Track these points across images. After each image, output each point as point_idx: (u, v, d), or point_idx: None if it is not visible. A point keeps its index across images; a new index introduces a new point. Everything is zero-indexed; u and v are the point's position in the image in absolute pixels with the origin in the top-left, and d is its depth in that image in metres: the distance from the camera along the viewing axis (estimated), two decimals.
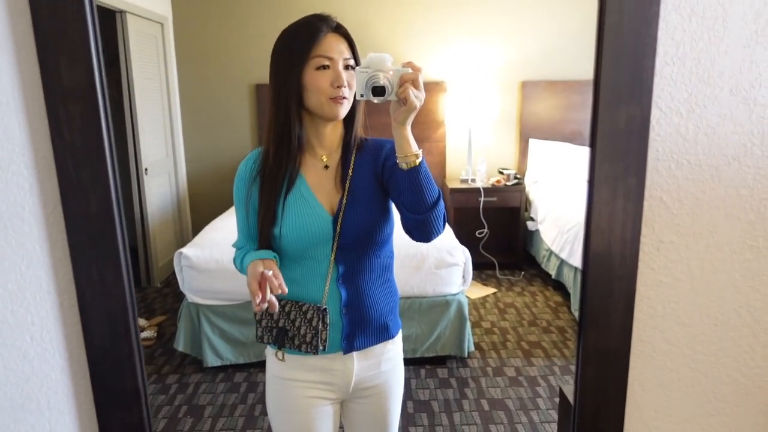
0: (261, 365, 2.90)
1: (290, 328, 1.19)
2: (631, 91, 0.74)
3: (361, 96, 1.03)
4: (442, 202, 1.13)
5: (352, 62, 1.15)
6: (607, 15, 0.71)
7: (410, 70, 1.02)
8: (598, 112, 0.75)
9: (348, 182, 1.20)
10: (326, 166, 1.23)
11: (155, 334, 3.23)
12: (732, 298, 0.82)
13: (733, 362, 0.85)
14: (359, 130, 1.25)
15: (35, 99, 0.70)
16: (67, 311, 0.77)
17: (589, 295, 0.80)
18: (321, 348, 1.18)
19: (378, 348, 1.27)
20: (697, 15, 0.74)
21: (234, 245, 1.30)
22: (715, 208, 0.80)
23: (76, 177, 0.69)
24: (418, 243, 1.18)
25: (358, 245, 1.20)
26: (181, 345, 2.85)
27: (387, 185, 1.20)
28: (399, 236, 1.27)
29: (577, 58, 4.28)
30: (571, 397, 1.63)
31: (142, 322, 3.42)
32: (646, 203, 0.79)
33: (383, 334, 1.27)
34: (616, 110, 0.75)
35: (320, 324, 1.17)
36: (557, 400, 2.73)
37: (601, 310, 0.80)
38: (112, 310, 0.73)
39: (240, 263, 1.25)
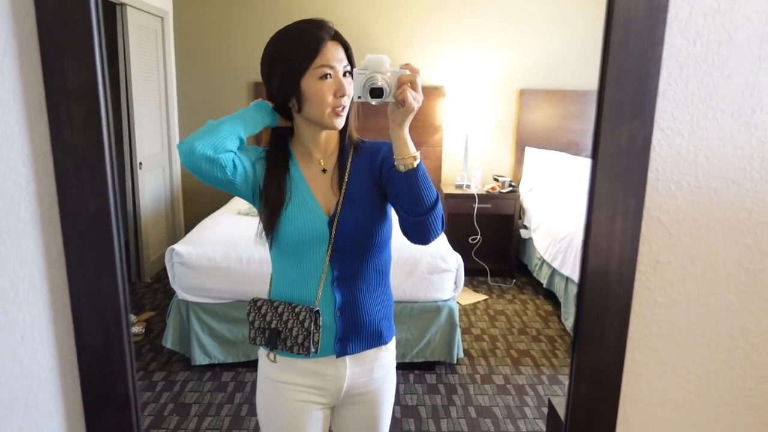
0: (249, 365, 2.89)
1: (282, 330, 1.19)
2: (634, 111, 0.75)
3: (359, 98, 1.02)
4: (440, 204, 1.13)
5: (349, 68, 1.15)
6: (612, 35, 0.72)
7: (408, 72, 1.01)
8: (600, 130, 0.75)
9: (345, 185, 1.20)
10: (324, 170, 1.23)
11: (143, 330, 3.21)
12: (726, 320, 0.83)
13: (726, 384, 0.85)
14: (352, 131, 1.24)
15: (36, 97, 0.70)
16: (59, 311, 0.76)
17: (585, 312, 0.80)
18: (313, 350, 1.18)
19: (371, 354, 1.27)
20: (702, 39, 0.75)
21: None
22: (712, 231, 0.80)
23: (75, 177, 0.69)
24: (412, 247, 1.18)
25: (354, 248, 1.20)
26: (169, 342, 2.83)
27: (385, 188, 1.19)
28: (393, 240, 1.27)
29: (575, 69, 4.30)
30: (560, 410, 1.63)
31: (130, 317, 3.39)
32: (644, 223, 0.79)
33: (377, 339, 1.27)
34: (618, 129, 0.75)
35: (312, 326, 1.17)
36: (545, 409, 2.74)
37: (596, 327, 0.80)
38: (105, 313, 0.72)
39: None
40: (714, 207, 0.80)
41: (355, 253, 1.20)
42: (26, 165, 0.71)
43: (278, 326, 1.19)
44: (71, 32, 0.65)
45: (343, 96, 1.12)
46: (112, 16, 3.62)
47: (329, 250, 1.18)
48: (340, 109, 1.13)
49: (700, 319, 0.83)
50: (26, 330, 0.76)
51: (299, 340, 1.17)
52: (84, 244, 0.70)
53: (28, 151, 0.71)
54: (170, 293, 3.36)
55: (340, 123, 1.16)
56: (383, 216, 1.22)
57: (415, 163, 1.07)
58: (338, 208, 1.18)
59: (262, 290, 1.32)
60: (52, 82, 0.66)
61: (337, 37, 1.15)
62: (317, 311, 1.18)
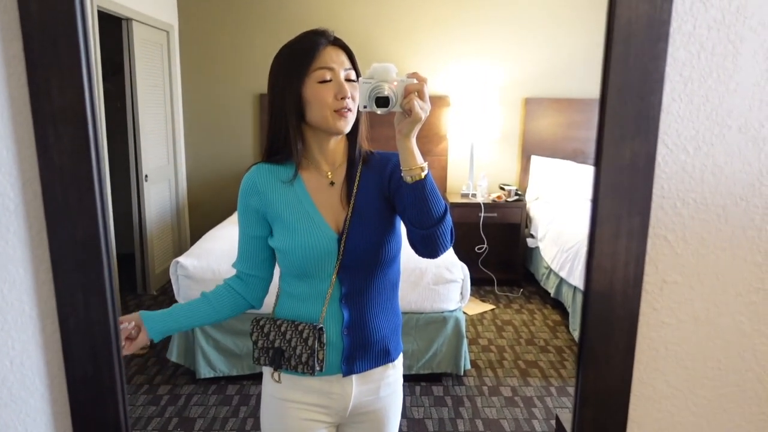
0: (254, 378, 2.86)
1: (286, 348, 1.16)
2: (637, 127, 0.72)
3: (365, 107, 1.00)
4: (449, 217, 1.10)
5: (353, 74, 1.14)
6: (613, 49, 0.69)
7: (415, 81, 0.99)
8: (602, 147, 0.73)
9: (353, 199, 1.18)
10: (332, 183, 1.20)
11: (148, 344, 3.19)
12: (737, 341, 0.80)
13: (737, 408, 0.82)
14: (363, 142, 1.22)
15: (24, 119, 0.68)
16: (49, 337, 0.74)
17: (589, 335, 0.77)
18: (318, 369, 1.15)
19: (378, 372, 1.24)
20: (707, 51, 0.73)
21: (233, 265, 1.28)
22: (721, 249, 0.77)
23: (64, 201, 0.67)
24: (418, 258, 1.15)
25: (363, 265, 1.17)
26: (174, 355, 2.82)
27: (393, 200, 1.17)
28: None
29: (581, 77, 4.28)
30: (567, 426, 1.60)
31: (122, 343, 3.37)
32: (650, 242, 0.77)
33: (384, 357, 1.24)
34: (621, 146, 0.73)
35: (317, 343, 1.14)
36: (553, 422, 2.69)
37: (601, 349, 0.78)
38: (95, 340, 0.70)
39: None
40: (722, 225, 0.77)
41: (363, 269, 1.18)
42: (14, 188, 0.70)
43: (282, 345, 1.17)
44: (57, 53, 0.64)
45: (344, 98, 1.10)
46: (118, 31, 3.65)
47: (337, 267, 1.16)
48: (345, 110, 1.11)
49: (710, 341, 0.80)
50: (15, 356, 0.74)
51: (303, 359, 1.15)
52: (72, 270, 0.69)
53: (16, 173, 0.70)
54: None
55: (344, 126, 1.13)
56: (393, 230, 1.20)
57: (423, 174, 1.05)
58: (347, 224, 1.16)
59: (266, 303, 1.30)
60: (38, 103, 0.65)
61: (337, 42, 1.14)
62: (321, 328, 1.15)
